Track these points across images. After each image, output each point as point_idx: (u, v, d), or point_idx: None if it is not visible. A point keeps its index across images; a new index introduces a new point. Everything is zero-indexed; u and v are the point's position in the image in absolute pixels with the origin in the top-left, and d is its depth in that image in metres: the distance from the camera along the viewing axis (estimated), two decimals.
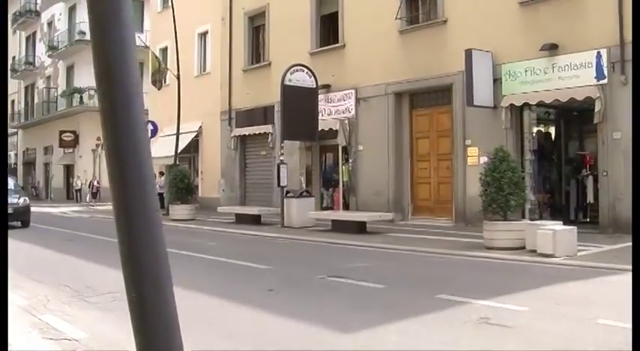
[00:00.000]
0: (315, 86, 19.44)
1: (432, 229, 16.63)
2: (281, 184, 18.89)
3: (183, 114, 25.16)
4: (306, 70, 19.40)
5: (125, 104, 1.05)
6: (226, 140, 26.57)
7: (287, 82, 18.80)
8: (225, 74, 26.78)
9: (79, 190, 37.67)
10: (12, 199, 20.66)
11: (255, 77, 25.34)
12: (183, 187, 22.86)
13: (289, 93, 18.67)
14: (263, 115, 24.39)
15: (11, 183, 23.38)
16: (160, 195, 29.00)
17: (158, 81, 26.52)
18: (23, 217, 21.44)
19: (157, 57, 27.49)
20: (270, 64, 24.36)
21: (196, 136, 28.70)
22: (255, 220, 20.03)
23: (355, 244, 14.20)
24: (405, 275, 10.20)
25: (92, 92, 39.74)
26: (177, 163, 25.34)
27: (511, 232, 12.35)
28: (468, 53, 16.31)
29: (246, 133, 25.39)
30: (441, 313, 6.93)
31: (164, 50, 30.36)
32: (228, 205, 23.99)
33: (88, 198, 35.86)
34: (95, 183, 36.09)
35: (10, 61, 53.29)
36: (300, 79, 19.10)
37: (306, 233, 16.70)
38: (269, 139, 23.99)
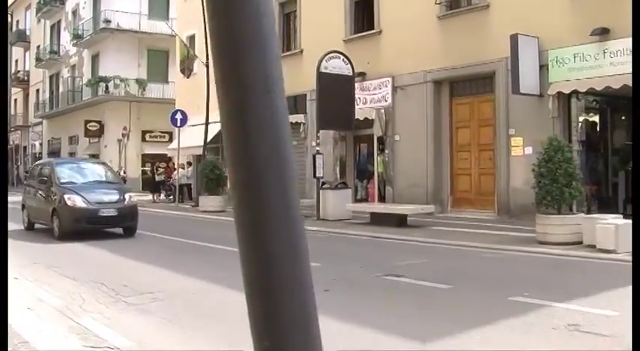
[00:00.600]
0: (351, 74, 18.76)
1: (475, 223, 15.98)
2: (317, 175, 18.30)
3: (212, 103, 24.63)
4: (342, 56, 18.74)
5: (264, 98, 0.89)
6: None
7: (323, 70, 18.15)
8: None
9: None
10: (110, 196, 14.75)
11: (286, 65, 24.31)
12: (214, 177, 22.30)
13: (325, 81, 18.03)
14: (294, 104, 23.74)
15: (103, 171, 16.74)
16: (188, 186, 28.60)
17: (187, 69, 26.02)
18: (129, 221, 14.73)
19: (185, 45, 27.00)
20: (301, 51, 23.71)
21: None
22: None
23: (398, 238, 13.63)
24: (465, 273, 9.58)
25: (117, 81, 39.39)
26: (206, 153, 24.84)
27: (566, 226, 11.76)
28: (514, 38, 15.62)
29: None
30: (522, 318, 6.32)
31: (191, 38, 29.70)
32: None
33: None
34: (121, 173, 35.69)
35: (34, 51, 53.16)
36: (337, 66, 18.46)
37: (344, 226, 16.13)
38: (301, 129, 23.35)
